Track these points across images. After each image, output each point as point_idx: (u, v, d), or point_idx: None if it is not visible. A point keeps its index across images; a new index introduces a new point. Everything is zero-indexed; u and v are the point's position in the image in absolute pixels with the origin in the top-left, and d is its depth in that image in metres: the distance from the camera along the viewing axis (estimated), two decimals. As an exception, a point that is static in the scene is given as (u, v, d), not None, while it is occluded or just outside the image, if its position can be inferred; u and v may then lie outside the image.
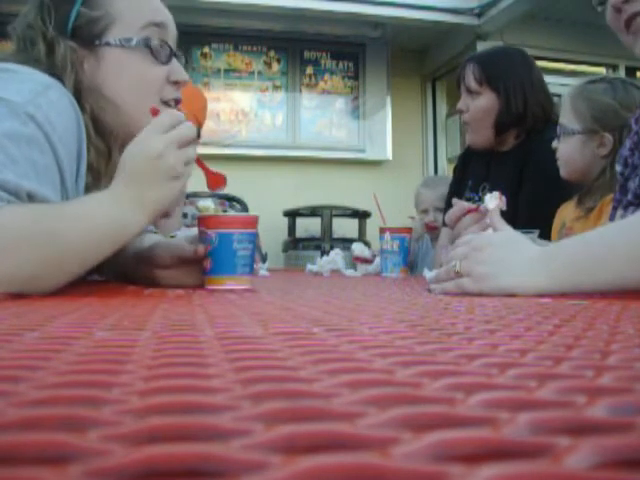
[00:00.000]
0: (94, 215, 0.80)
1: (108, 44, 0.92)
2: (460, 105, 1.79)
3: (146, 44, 0.94)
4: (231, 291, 0.90)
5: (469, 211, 1.15)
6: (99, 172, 0.95)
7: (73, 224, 0.77)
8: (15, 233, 0.73)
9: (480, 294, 0.80)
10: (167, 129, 0.83)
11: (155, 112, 0.87)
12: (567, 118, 1.48)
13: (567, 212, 1.54)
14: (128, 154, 0.83)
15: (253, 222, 0.97)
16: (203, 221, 0.96)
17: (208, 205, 2.59)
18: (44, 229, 0.75)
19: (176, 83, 0.98)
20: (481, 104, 1.73)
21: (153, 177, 0.82)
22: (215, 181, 0.95)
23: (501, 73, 1.73)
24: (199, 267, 0.97)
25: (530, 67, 1.78)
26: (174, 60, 0.99)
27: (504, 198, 1.17)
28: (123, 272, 1.06)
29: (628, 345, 0.35)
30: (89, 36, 0.92)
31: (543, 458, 0.15)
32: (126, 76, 0.94)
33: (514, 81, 1.72)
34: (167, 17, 1.00)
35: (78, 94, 0.91)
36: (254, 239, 0.97)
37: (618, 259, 0.73)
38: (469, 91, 1.75)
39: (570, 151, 1.48)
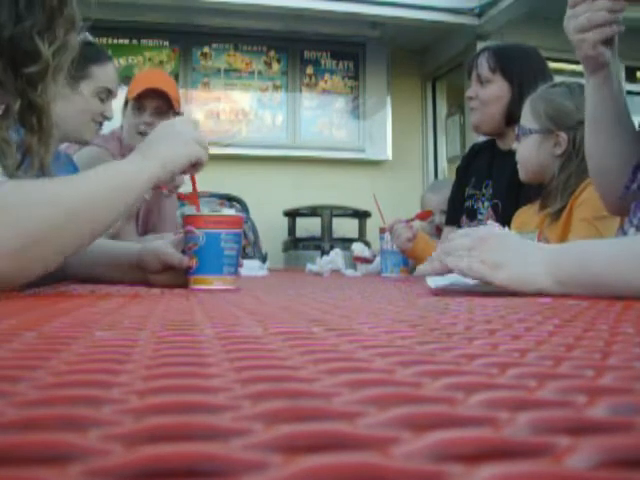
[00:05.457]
0: (101, 172, 0.81)
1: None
2: (469, 92, 1.80)
3: None
4: (217, 291, 0.90)
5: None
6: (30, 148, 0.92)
7: (78, 184, 0.77)
8: (14, 198, 0.71)
9: (494, 282, 0.79)
10: (188, 121, 0.95)
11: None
12: (525, 119, 1.50)
13: (527, 217, 1.55)
14: (152, 131, 0.92)
15: (239, 222, 0.98)
16: (190, 220, 0.96)
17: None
18: (46, 192, 0.74)
19: None
20: (492, 91, 1.75)
21: (168, 138, 0.89)
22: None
23: (515, 64, 1.75)
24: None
25: (544, 65, 1.81)
26: None
27: None
28: (114, 277, 1.08)
29: (628, 345, 0.35)
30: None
31: (543, 458, 0.15)
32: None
33: (528, 73, 1.74)
34: None
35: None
36: (240, 239, 0.98)
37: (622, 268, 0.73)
38: (480, 80, 1.76)
39: (527, 150, 1.49)
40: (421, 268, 0.87)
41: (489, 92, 1.75)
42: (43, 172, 0.92)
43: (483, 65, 1.76)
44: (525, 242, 0.84)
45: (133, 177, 0.82)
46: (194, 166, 0.92)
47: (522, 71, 1.74)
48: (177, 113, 2.07)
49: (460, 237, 0.85)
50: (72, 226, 0.74)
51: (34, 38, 0.83)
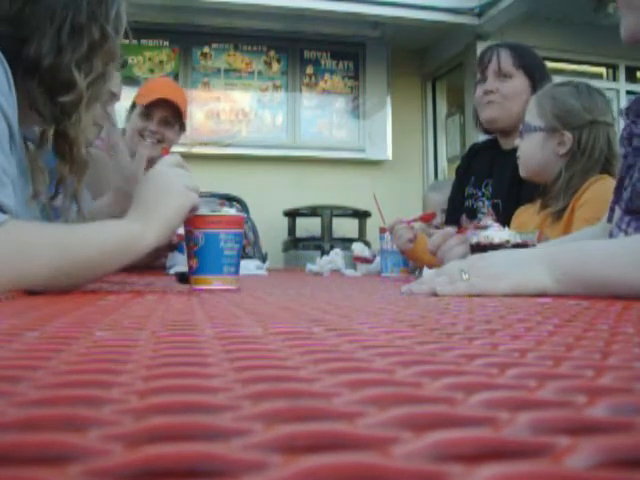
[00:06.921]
0: (105, 232, 0.85)
1: None
2: (488, 86, 1.80)
3: None
4: (217, 291, 0.90)
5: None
6: (43, 136, 0.94)
7: (83, 241, 0.81)
8: (28, 249, 0.75)
9: (497, 293, 0.79)
10: (173, 165, 0.93)
11: (165, 152, 1.03)
12: (531, 116, 1.50)
13: (527, 216, 1.55)
14: (141, 185, 0.91)
15: (239, 222, 0.98)
16: (189, 221, 0.96)
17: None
18: (55, 244, 0.77)
19: None
20: (514, 86, 1.77)
21: (163, 195, 0.89)
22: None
23: (535, 61, 1.81)
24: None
25: (543, 65, 1.87)
26: None
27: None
28: None
29: (628, 345, 0.35)
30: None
31: (543, 458, 0.15)
32: None
33: (542, 72, 1.77)
34: None
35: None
36: (240, 239, 0.97)
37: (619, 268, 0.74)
38: (499, 74, 1.77)
39: (531, 148, 1.49)
40: (413, 288, 0.86)
41: (512, 86, 1.76)
42: (76, 201, 0.98)
43: (506, 60, 1.77)
44: (517, 250, 0.85)
45: (137, 238, 0.85)
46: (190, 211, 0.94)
47: (541, 67, 1.79)
48: (183, 125, 2.07)
49: (454, 263, 0.87)
50: (73, 278, 0.80)
51: (71, 69, 0.87)
